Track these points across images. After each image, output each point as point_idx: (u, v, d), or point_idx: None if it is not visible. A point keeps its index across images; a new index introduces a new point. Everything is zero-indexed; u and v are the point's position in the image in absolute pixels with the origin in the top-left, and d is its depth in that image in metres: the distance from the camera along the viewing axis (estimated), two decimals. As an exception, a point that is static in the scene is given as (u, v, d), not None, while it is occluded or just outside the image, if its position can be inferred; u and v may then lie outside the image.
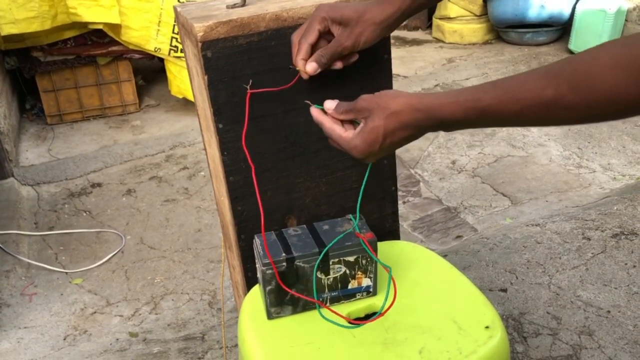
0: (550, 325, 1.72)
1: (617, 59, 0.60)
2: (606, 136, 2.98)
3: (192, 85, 1.16)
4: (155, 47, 3.24)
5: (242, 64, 0.95)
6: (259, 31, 0.94)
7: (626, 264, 1.95)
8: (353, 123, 0.84)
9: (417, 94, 0.79)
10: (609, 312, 1.75)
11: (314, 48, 0.89)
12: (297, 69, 0.90)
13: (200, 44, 0.91)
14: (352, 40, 0.88)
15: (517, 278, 1.93)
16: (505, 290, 1.88)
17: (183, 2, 3.11)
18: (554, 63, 0.67)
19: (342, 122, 0.84)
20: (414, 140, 0.81)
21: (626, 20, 3.97)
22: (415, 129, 0.77)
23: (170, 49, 3.24)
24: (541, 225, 2.21)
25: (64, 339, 1.88)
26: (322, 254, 0.93)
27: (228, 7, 0.99)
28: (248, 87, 0.95)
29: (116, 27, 3.19)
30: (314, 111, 0.86)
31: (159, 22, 3.19)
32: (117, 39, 3.25)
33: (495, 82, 0.71)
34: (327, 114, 0.85)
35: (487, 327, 0.90)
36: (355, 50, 0.90)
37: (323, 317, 0.92)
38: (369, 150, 0.80)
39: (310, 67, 0.89)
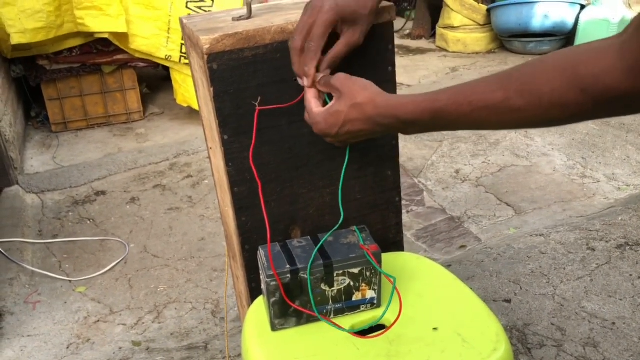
0: (554, 336, 1.71)
1: (559, 63, 0.63)
2: (610, 146, 2.98)
3: (197, 96, 1.17)
4: (166, 55, 3.25)
5: (248, 76, 0.95)
6: (265, 44, 0.94)
7: (631, 275, 1.95)
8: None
9: (384, 92, 0.82)
10: (614, 323, 1.74)
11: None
12: (305, 77, 0.88)
13: (206, 56, 0.92)
14: (357, 37, 0.88)
15: (521, 289, 1.92)
16: (509, 301, 1.87)
17: (190, 10, 3.13)
18: (510, 68, 0.69)
19: (320, 96, 0.89)
20: (376, 136, 0.86)
21: (630, 30, 3.97)
22: (374, 124, 0.81)
23: (181, 56, 3.26)
24: (545, 236, 2.20)
25: (67, 348, 1.88)
26: (309, 268, 0.92)
27: (234, 19, 0.99)
28: (257, 103, 0.96)
29: (122, 36, 3.21)
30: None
31: (168, 29, 3.20)
32: (124, 47, 3.27)
33: (454, 86, 0.74)
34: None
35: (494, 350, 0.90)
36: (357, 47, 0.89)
37: (327, 323, 0.91)
38: (326, 131, 0.85)
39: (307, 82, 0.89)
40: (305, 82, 0.89)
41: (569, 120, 0.66)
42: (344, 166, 1.02)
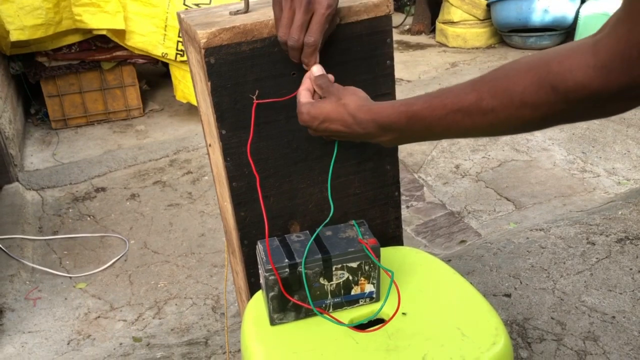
0: (554, 330, 1.71)
1: (533, 63, 0.62)
2: (610, 140, 2.98)
3: (195, 91, 1.17)
4: (163, 52, 3.25)
5: (245, 70, 0.95)
6: (262, 37, 0.94)
7: (631, 269, 1.95)
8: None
9: (372, 100, 0.85)
10: (614, 317, 1.74)
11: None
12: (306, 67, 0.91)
13: (203, 51, 0.92)
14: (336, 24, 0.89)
15: (521, 283, 1.92)
16: (509, 296, 1.87)
17: (188, 7, 3.12)
18: (485, 73, 0.69)
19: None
20: (356, 140, 0.87)
21: (630, 24, 3.96)
22: (352, 127, 0.83)
23: (177, 53, 3.25)
24: (545, 230, 2.20)
25: (68, 344, 1.88)
26: (304, 262, 0.92)
27: (231, 13, 0.99)
28: (254, 97, 0.95)
29: (121, 33, 3.21)
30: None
31: (165, 26, 3.20)
32: (122, 44, 3.27)
33: (431, 92, 0.75)
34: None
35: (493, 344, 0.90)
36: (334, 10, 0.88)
37: (326, 318, 0.91)
38: (308, 122, 0.87)
39: (316, 69, 0.90)
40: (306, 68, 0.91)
41: (542, 122, 0.64)
42: (332, 160, 1.03)
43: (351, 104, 0.83)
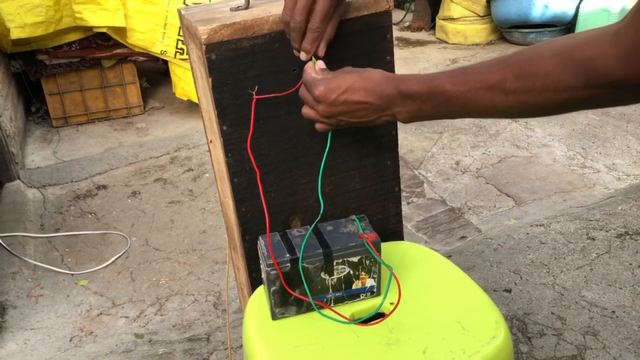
0: (554, 325, 1.72)
1: (557, 49, 0.63)
2: (610, 136, 2.98)
3: (196, 88, 1.17)
4: (162, 50, 3.25)
5: (246, 66, 0.96)
6: (263, 33, 0.95)
7: (631, 264, 1.95)
8: None
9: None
10: (613, 312, 1.75)
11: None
12: (305, 53, 0.90)
13: (204, 47, 0.92)
14: (345, 11, 0.88)
15: (521, 278, 1.93)
16: (509, 291, 1.88)
17: (188, 5, 3.12)
18: (510, 53, 0.70)
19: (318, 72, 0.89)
20: (367, 119, 0.84)
21: (630, 19, 3.96)
22: (374, 96, 0.81)
23: (176, 52, 3.26)
24: (545, 226, 2.20)
25: (70, 340, 1.89)
26: (301, 259, 0.93)
27: (232, 9, 0.99)
28: (254, 92, 0.96)
29: (121, 30, 3.21)
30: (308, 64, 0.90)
31: (165, 24, 3.20)
32: (122, 42, 3.27)
33: (457, 68, 0.75)
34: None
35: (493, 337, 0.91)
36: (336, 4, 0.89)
37: (325, 316, 0.92)
38: (325, 95, 0.83)
39: (321, 51, 0.90)
40: (304, 56, 0.90)
41: (562, 107, 0.66)
42: (325, 154, 1.02)
43: (376, 73, 0.82)
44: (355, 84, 0.82)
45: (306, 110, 0.90)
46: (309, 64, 0.90)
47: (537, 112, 0.68)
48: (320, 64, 0.91)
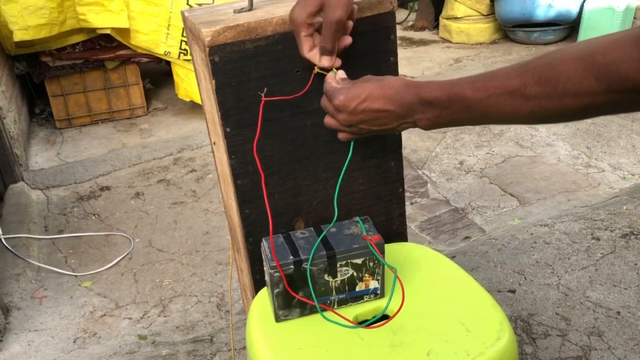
0: (559, 326, 1.71)
1: (578, 53, 0.62)
2: (615, 135, 2.97)
3: (199, 89, 1.17)
4: (165, 51, 3.26)
5: (250, 68, 0.95)
6: (266, 35, 0.94)
7: (636, 264, 1.94)
8: None
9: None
10: (618, 312, 1.74)
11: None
12: (329, 57, 0.91)
13: (207, 49, 0.92)
14: (340, 10, 0.87)
15: (525, 279, 1.92)
16: (513, 292, 1.87)
17: (191, 6, 3.12)
18: (530, 58, 0.69)
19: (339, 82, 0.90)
20: (388, 127, 0.84)
21: (634, 17, 3.94)
22: (394, 103, 0.81)
23: (180, 52, 3.26)
24: (550, 226, 2.20)
25: (74, 342, 1.89)
26: (310, 260, 0.92)
27: (235, 11, 0.99)
28: (263, 94, 0.96)
29: (124, 32, 3.21)
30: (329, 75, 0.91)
31: (168, 25, 3.20)
32: (126, 43, 3.28)
33: (476, 74, 0.74)
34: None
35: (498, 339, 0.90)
36: (349, 17, 0.89)
37: (330, 320, 0.92)
38: (345, 104, 0.84)
39: (325, 61, 0.90)
40: (327, 62, 0.90)
41: (583, 112, 0.64)
42: (346, 162, 1.01)
43: (396, 81, 0.82)
44: (374, 92, 0.82)
45: (328, 120, 0.90)
46: (330, 74, 0.90)
47: (558, 117, 0.67)
48: (341, 73, 0.90)
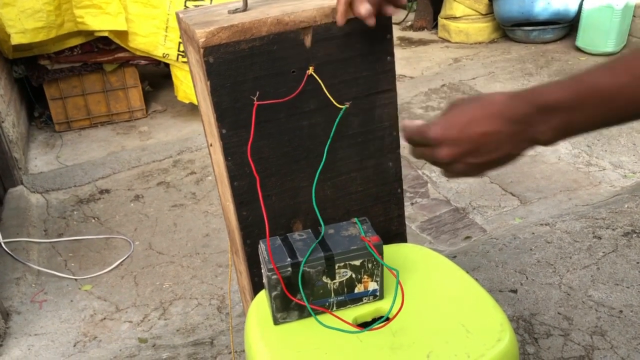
0: (561, 325, 1.70)
1: None
2: (616, 133, 2.95)
3: (195, 91, 1.16)
4: (164, 53, 3.25)
5: (245, 69, 0.95)
6: (261, 36, 0.94)
7: (638, 262, 1.93)
8: None
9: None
10: (621, 311, 1.73)
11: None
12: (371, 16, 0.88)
13: (202, 50, 0.91)
14: None
15: (527, 278, 1.91)
16: (515, 291, 1.86)
17: (188, 7, 3.12)
18: None
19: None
20: (504, 153, 0.67)
21: (634, 16, 3.93)
22: (504, 120, 0.65)
23: (179, 54, 3.25)
24: (551, 225, 2.19)
25: (74, 346, 1.89)
26: (303, 263, 0.92)
27: (230, 12, 0.98)
28: (255, 98, 0.95)
29: (123, 34, 3.21)
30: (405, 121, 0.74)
31: (166, 27, 3.20)
32: (124, 45, 3.27)
33: (603, 62, 0.62)
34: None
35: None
36: None
37: (325, 325, 0.91)
38: (444, 135, 0.68)
39: (362, 9, 0.87)
40: (365, 10, 0.87)
41: None
42: (319, 168, 1.01)
43: (497, 95, 0.67)
44: (476, 114, 0.67)
45: (432, 163, 0.72)
46: (405, 121, 0.73)
47: None
48: (418, 122, 0.73)
